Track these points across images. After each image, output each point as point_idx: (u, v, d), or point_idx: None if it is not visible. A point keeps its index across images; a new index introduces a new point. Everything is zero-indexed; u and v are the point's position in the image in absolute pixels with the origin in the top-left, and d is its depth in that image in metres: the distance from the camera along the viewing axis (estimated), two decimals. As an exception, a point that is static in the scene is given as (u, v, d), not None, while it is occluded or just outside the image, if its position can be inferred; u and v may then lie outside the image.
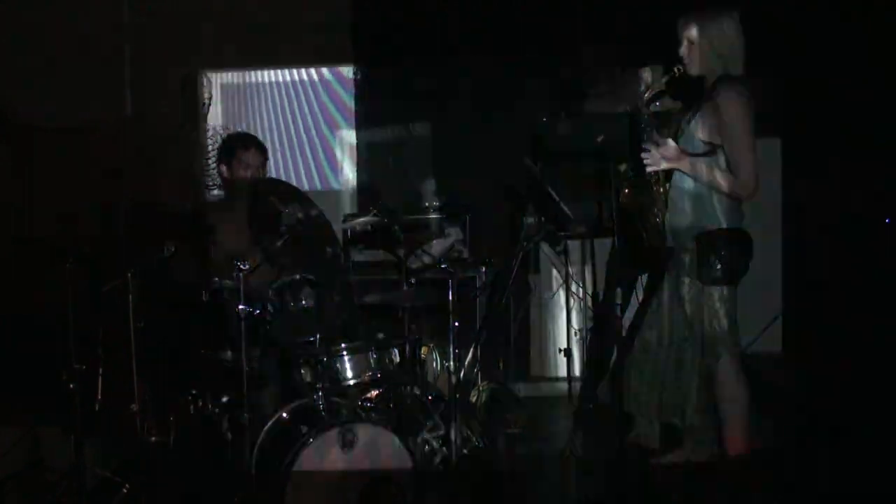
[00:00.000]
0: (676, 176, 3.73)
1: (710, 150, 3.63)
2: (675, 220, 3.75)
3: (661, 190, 3.74)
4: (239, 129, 5.38)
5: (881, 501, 3.70)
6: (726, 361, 3.70)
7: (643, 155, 3.70)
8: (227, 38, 5.67)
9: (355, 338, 4.05)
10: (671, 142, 3.68)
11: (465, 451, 3.95)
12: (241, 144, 4.60)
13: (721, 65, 3.64)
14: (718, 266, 3.62)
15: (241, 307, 3.67)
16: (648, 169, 3.70)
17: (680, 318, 3.78)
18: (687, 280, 3.71)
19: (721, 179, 3.61)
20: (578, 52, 5.82)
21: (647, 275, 4.96)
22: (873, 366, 4.68)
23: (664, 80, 3.70)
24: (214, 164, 5.72)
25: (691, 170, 3.64)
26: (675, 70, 3.69)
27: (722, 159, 3.63)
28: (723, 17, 3.65)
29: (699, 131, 3.63)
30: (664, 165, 3.68)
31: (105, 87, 5.33)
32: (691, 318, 3.73)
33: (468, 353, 4.74)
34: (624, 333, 3.97)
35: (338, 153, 6.05)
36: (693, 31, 3.66)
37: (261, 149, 4.63)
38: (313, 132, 6.02)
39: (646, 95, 3.73)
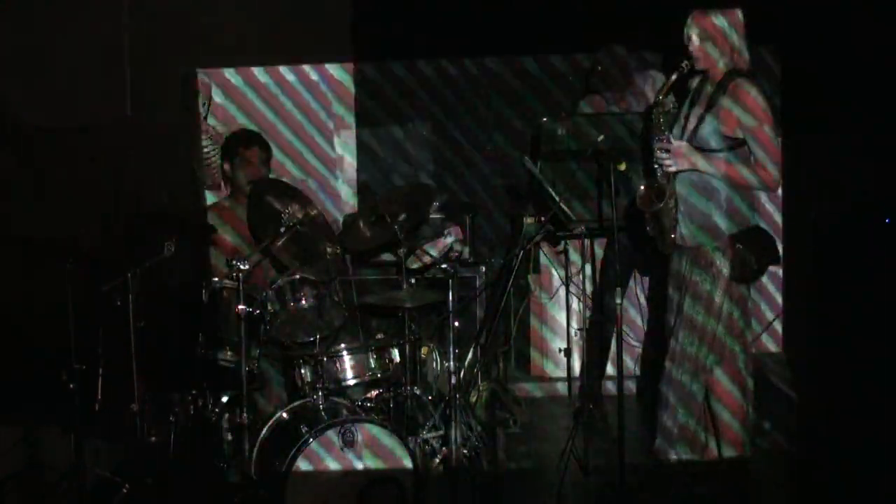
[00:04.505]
0: (682, 175, 3.70)
1: (732, 145, 3.61)
2: (683, 219, 3.72)
3: (670, 190, 3.72)
4: (240, 128, 5.37)
5: (881, 501, 3.69)
6: (726, 362, 3.69)
7: (658, 155, 3.68)
8: (226, 38, 5.66)
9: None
10: (683, 142, 3.66)
11: (465, 451, 3.96)
12: (243, 142, 4.63)
13: (730, 59, 3.65)
14: (741, 266, 3.61)
15: (240, 307, 3.67)
16: (667, 170, 3.66)
17: (687, 317, 3.76)
18: (698, 279, 3.69)
19: (746, 173, 3.59)
20: (580, 51, 5.82)
21: (651, 275, 5.00)
22: (873, 366, 4.67)
23: (674, 77, 3.67)
24: (215, 162, 5.73)
25: (707, 167, 3.62)
26: (684, 66, 3.67)
27: (726, 154, 3.62)
28: (729, 12, 3.66)
29: (719, 126, 3.62)
30: (683, 165, 3.66)
31: (105, 87, 5.32)
32: (697, 317, 3.71)
33: (468, 353, 4.74)
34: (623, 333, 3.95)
35: (337, 152, 6.03)
36: (702, 28, 3.65)
37: (263, 146, 4.65)
38: (313, 131, 6.01)
39: (660, 95, 3.70)
